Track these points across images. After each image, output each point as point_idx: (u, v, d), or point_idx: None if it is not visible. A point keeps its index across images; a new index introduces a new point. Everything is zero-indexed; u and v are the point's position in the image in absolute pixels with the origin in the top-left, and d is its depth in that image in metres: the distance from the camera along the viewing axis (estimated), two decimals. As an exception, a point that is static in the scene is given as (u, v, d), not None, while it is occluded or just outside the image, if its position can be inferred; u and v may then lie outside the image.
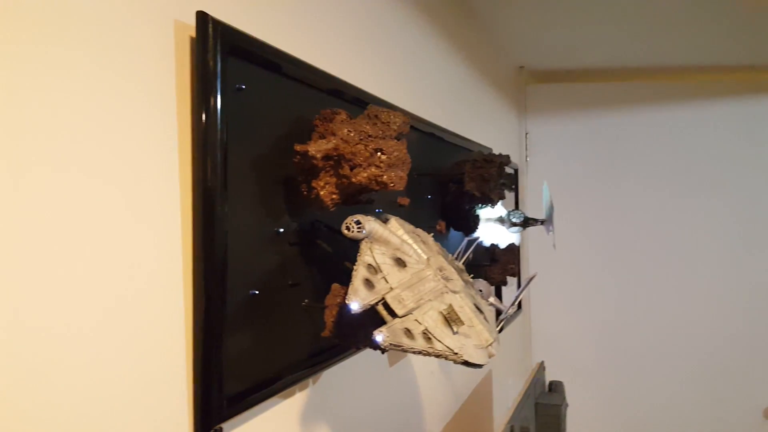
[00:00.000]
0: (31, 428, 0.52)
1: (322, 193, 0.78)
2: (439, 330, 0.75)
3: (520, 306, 2.92)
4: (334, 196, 0.79)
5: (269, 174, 0.81)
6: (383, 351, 0.82)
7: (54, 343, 0.54)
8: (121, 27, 0.62)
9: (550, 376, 2.42)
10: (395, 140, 0.81)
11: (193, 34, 0.69)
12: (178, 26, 0.69)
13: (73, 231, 0.56)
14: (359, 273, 0.73)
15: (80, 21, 0.57)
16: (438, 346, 0.73)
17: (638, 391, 2.95)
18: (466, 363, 0.76)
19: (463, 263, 1.24)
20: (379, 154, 0.76)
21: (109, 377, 0.60)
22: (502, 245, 1.65)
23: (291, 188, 0.84)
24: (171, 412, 0.67)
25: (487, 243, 1.74)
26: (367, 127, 0.79)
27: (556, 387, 2.23)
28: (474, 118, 2.17)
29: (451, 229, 1.70)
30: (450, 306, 0.80)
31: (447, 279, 0.86)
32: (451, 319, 0.77)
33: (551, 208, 1.66)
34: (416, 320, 0.74)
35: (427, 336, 0.73)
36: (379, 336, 0.67)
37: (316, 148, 0.75)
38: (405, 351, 0.70)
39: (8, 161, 0.50)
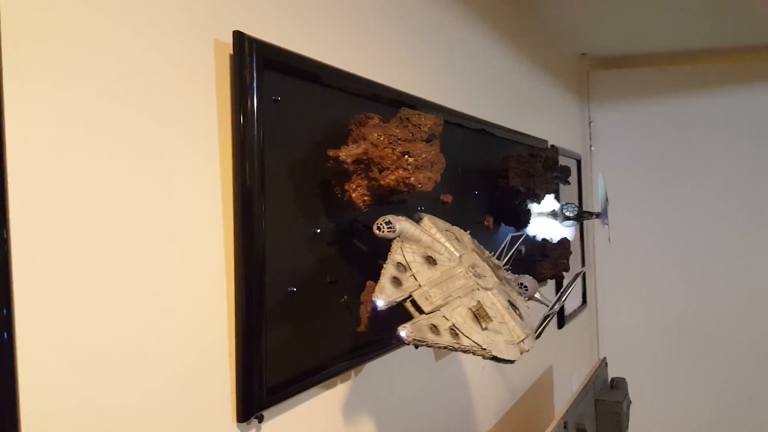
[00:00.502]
0: (99, 412, 0.60)
1: (354, 195, 0.82)
2: (468, 326, 0.78)
3: (585, 301, 2.85)
4: (365, 198, 0.83)
5: (306, 178, 0.86)
6: (416, 346, 0.85)
7: (117, 336, 0.61)
8: (168, 49, 0.68)
9: (613, 373, 2.35)
10: (425, 142, 0.84)
11: (232, 51, 0.74)
12: (218, 45, 0.75)
13: (132, 232, 0.63)
14: (387, 271, 0.77)
15: (133, 46, 0.64)
16: (465, 342, 0.76)
17: (706, 391, 2.80)
18: (495, 358, 0.78)
19: (507, 260, 1.24)
20: (406, 157, 0.79)
21: (159, 367, 0.67)
22: (555, 240, 1.63)
23: (327, 191, 0.88)
24: (215, 399, 0.74)
25: (539, 238, 1.73)
26: (397, 130, 0.83)
27: (618, 384, 2.17)
28: (532, 110, 2.14)
29: (502, 224, 1.70)
30: (479, 303, 0.82)
31: (479, 276, 0.88)
32: (479, 315, 0.79)
33: (606, 201, 1.62)
34: (444, 316, 0.77)
35: (454, 332, 0.76)
36: (403, 331, 0.70)
37: (347, 153, 0.79)
38: (430, 346, 0.73)
39: (87, 168, 0.58)
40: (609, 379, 2.19)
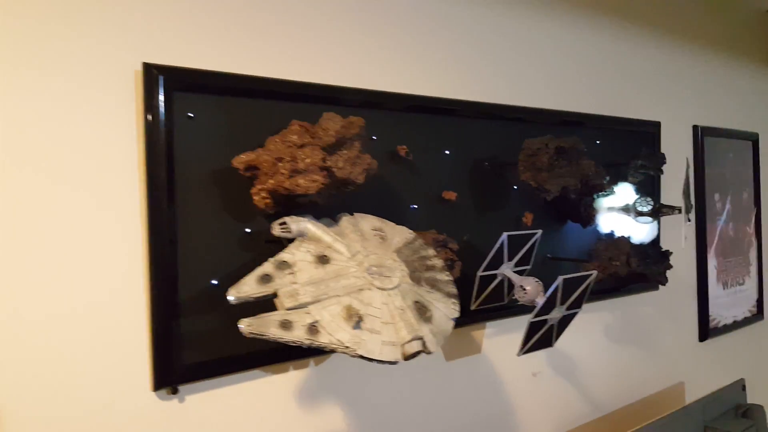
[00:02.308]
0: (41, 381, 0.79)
1: (255, 198, 0.90)
2: (335, 324, 0.80)
3: (761, 311, 2.38)
4: (267, 201, 0.90)
5: (234, 184, 0.96)
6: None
7: (52, 322, 0.80)
8: (95, 79, 0.85)
9: (754, 399, 1.91)
10: (321, 148, 0.87)
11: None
12: (137, 73, 0.90)
13: (63, 234, 0.82)
14: (261, 269, 0.83)
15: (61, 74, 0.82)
16: (323, 339, 0.78)
17: None
18: (363, 357, 0.79)
19: (520, 260, 1.17)
20: (281, 163, 0.84)
21: (88, 341, 0.84)
22: (615, 237, 1.44)
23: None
24: (136, 369, 0.89)
25: (618, 233, 1.54)
26: (294, 137, 0.88)
27: (751, 413, 1.75)
28: (643, 89, 1.88)
29: (569, 222, 1.57)
30: (358, 302, 0.83)
31: (380, 276, 0.88)
32: (350, 314, 0.81)
33: (690, 189, 1.37)
34: (307, 313, 0.80)
35: (314, 329, 0.79)
36: (242, 324, 0.76)
37: (238, 161, 0.87)
38: (273, 341, 0.77)
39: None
40: (739, 406, 1.80)
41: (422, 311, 0.87)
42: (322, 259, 0.87)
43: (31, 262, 0.80)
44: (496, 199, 1.38)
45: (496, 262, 1.21)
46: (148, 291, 0.89)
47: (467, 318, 1.27)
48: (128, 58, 0.89)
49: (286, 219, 0.88)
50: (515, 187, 1.42)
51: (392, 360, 0.79)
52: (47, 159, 0.82)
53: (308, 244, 0.89)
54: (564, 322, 1.18)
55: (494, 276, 1.23)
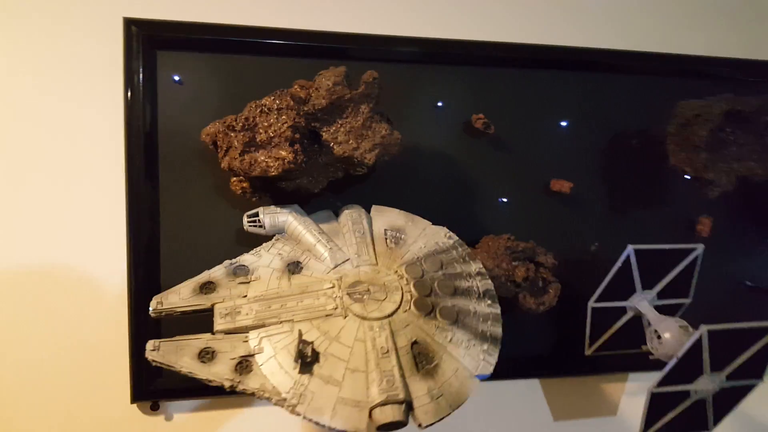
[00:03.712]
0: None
1: (232, 182, 0.69)
2: (276, 362, 0.56)
3: None
4: (243, 185, 0.68)
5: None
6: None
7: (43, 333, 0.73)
8: (84, 35, 0.75)
9: None
10: (290, 112, 0.63)
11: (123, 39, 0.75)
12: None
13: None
14: (205, 274, 0.63)
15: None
16: (252, 383, 0.55)
17: None
18: (304, 417, 0.53)
19: (665, 289, 0.78)
20: (233, 134, 0.62)
21: (71, 355, 0.75)
22: None
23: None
24: (116, 383, 0.76)
25: None
26: (268, 99, 0.65)
27: None
28: None
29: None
30: (319, 333, 0.57)
31: (365, 298, 0.60)
32: (304, 349, 0.55)
33: None
34: (244, 341, 0.57)
35: (244, 366, 0.56)
36: (148, 346, 0.56)
37: (204, 132, 0.67)
38: (185, 375, 0.56)
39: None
40: None
41: (422, 359, 0.57)
42: (292, 267, 0.63)
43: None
44: (647, 192, 0.94)
45: (624, 288, 0.81)
46: (128, 297, 0.75)
47: (585, 365, 0.89)
48: (115, 12, 0.76)
49: (259, 210, 0.66)
50: (687, 177, 0.95)
51: (345, 429, 0.52)
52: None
53: (283, 245, 0.65)
54: (726, 399, 0.72)
55: (622, 310, 0.83)
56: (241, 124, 0.61)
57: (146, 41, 0.74)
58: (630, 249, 0.76)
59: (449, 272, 0.65)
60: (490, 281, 0.66)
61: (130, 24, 0.74)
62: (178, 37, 0.75)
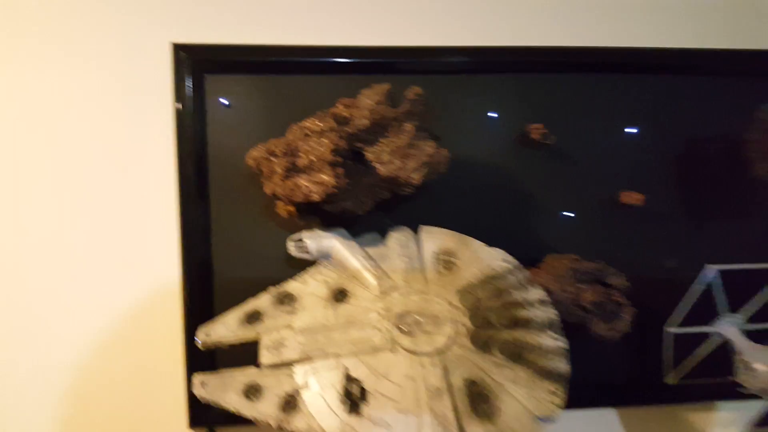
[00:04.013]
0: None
1: (277, 204, 0.68)
2: (324, 400, 0.53)
3: None
4: (289, 209, 0.67)
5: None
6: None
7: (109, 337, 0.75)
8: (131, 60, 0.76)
9: None
10: (332, 135, 0.60)
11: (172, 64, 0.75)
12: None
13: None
14: (251, 303, 0.61)
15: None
16: (299, 423, 0.52)
17: None
18: (351, 464, 0.51)
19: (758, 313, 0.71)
20: (275, 159, 0.60)
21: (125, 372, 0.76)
22: None
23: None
24: (174, 407, 0.76)
25: None
26: (311, 122, 0.63)
27: None
28: None
29: None
30: (366, 369, 0.53)
31: (415, 331, 0.56)
32: (352, 388, 0.52)
33: None
34: (289, 375, 0.55)
35: (290, 403, 0.53)
36: (194, 381, 0.55)
37: (249, 157, 0.66)
38: (233, 412, 0.54)
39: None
40: None
41: (479, 399, 0.52)
42: (338, 296, 0.60)
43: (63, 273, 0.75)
44: (727, 204, 0.85)
45: (705, 311, 0.73)
46: (183, 320, 0.76)
47: (667, 394, 0.81)
48: (162, 37, 0.76)
49: (304, 234, 0.64)
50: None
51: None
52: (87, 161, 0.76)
53: (330, 271, 0.63)
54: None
55: (706, 335, 0.75)
56: (282, 149, 0.59)
57: (195, 66, 0.74)
58: (713, 269, 0.68)
59: (507, 300, 0.60)
60: (553, 310, 0.61)
61: (178, 50, 0.74)
62: (225, 60, 0.75)
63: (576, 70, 0.82)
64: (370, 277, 0.60)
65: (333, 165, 0.58)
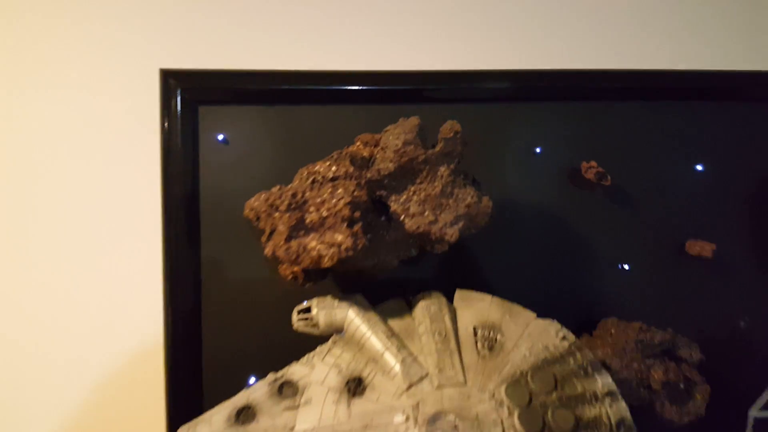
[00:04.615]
0: None
1: (280, 267, 0.56)
2: None
3: None
4: (294, 269, 0.55)
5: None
6: None
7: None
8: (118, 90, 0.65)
9: None
10: (346, 182, 0.48)
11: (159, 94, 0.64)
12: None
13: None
14: (242, 395, 0.49)
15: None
16: None
17: None
18: None
19: None
20: (276, 214, 0.48)
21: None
22: None
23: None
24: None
25: None
26: (320, 167, 0.51)
27: None
28: None
29: None
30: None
31: (452, 438, 0.44)
32: None
33: None
34: (289, 501, 0.43)
35: None
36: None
37: (247, 206, 0.54)
38: None
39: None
40: None
41: None
42: (353, 386, 0.48)
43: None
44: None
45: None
46: (165, 387, 0.64)
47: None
48: (152, 64, 0.66)
49: (313, 303, 0.52)
50: None
51: None
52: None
53: (342, 351, 0.50)
54: None
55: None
56: (286, 201, 0.47)
57: (186, 96, 0.63)
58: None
59: (568, 394, 0.47)
60: (624, 404, 0.48)
61: (167, 76, 0.63)
62: (222, 88, 0.64)
63: (633, 96, 0.70)
64: (393, 362, 0.48)
65: (350, 222, 0.46)
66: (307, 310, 0.52)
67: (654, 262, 0.69)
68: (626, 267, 0.69)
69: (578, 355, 0.50)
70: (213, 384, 0.63)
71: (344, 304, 0.52)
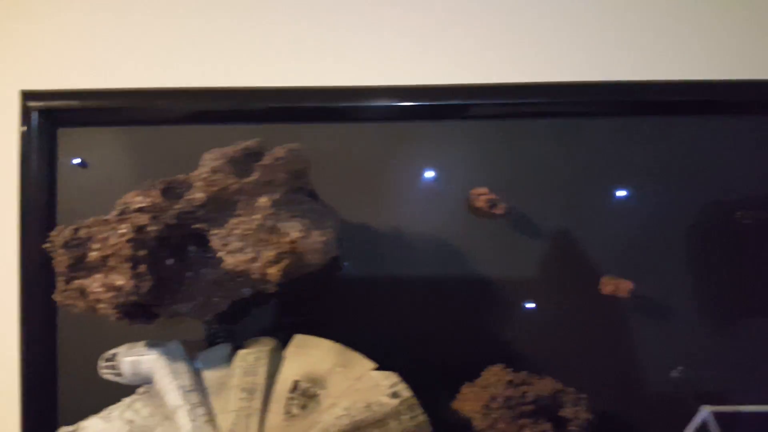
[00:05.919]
0: None
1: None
2: None
3: None
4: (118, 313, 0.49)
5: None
6: None
7: None
8: None
9: None
10: (134, 216, 0.43)
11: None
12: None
13: None
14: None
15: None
16: None
17: None
18: None
19: None
20: (67, 251, 0.43)
21: None
22: None
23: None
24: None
25: None
26: (132, 196, 0.46)
27: None
28: None
29: None
30: None
31: None
32: None
33: None
34: None
35: None
36: None
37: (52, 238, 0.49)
38: None
39: None
40: None
41: None
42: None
43: None
44: (762, 293, 0.61)
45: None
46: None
47: None
48: (13, 85, 0.63)
49: (121, 349, 0.47)
50: None
51: None
52: None
53: (144, 406, 0.45)
54: None
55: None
56: (66, 238, 0.43)
57: (44, 117, 0.60)
58: (705, 413, 0.46)
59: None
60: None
61: (27, 98, 0.60)
62: (83, 107, 0.60)
63: (547, 114, 0.62)
64: (184, 422, 0.42)
65: (134, 261, 0.41)
66: (109, 358, 0.47)
67: (561, 300, 0.60)
68: (531, 306, 0.61)
69: (404, 417, 0.43)
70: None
71: (154, 351, 0.46)
